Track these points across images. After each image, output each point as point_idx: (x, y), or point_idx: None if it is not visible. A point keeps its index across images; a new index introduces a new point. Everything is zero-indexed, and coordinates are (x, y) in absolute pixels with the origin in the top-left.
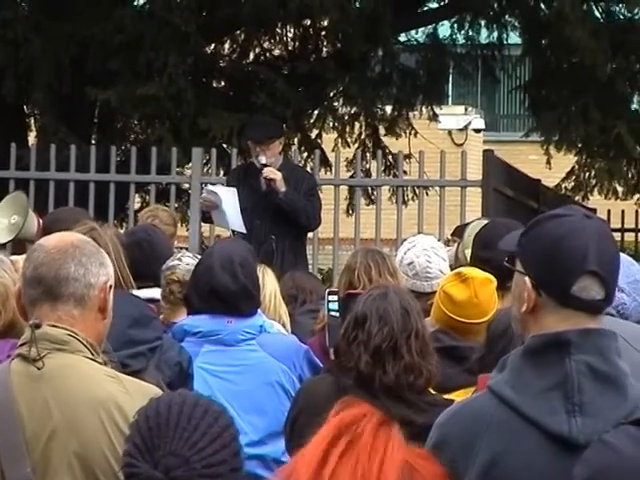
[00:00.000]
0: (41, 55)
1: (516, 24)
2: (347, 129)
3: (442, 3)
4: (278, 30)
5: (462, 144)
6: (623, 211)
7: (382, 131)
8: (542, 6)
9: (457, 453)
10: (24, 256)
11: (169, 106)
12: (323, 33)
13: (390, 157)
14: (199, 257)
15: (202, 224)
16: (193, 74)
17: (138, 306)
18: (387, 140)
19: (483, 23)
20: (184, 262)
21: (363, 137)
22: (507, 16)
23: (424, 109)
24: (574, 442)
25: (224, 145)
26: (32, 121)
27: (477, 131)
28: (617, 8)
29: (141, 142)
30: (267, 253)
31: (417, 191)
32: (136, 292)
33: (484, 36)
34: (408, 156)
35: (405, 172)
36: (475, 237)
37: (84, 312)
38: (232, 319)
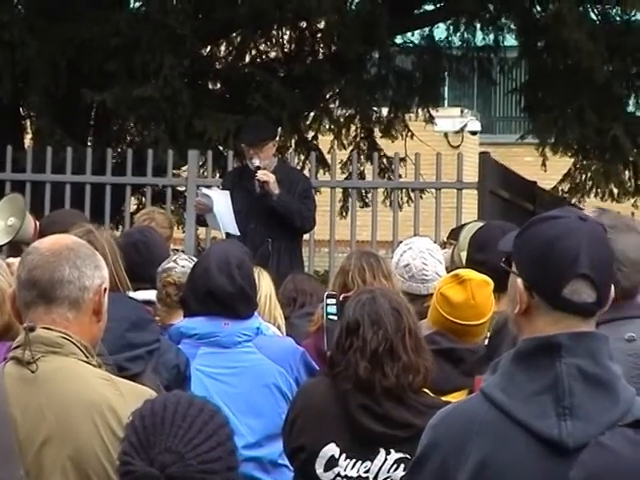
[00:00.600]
0: (37, 57)
1: (512, 26)
2: (343, 131)
3: (438, 5)
4: (274, 32)
5: (458, 146)
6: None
7: (378, 133)
8: (538, 8)
9: (448, 454)
10: (20, 259)
11: (165, 108)
12: (319, 35)
13: (385, 159)
14: (195, 259)
15: (198, 226)
16: (189, 76)
17: (135, 309)
18: (383, 142)
19: (479, 25)
20: (180, 264)
21: (358, 139)
22: (503, 18)
23: (420, 111)
24: (564, 446)
25: (220, 147)
26: (28, 123)
27: (473, 133)
28: (613, 11)
29: (137, 144)
30: (263, 256)
31: (413, 194)
32: (132, 294)
33: (480, 38)
34: (404, 159)
35: (400, 175)
36: (471, 239)
37: (78, 315)
38: (229, 321)
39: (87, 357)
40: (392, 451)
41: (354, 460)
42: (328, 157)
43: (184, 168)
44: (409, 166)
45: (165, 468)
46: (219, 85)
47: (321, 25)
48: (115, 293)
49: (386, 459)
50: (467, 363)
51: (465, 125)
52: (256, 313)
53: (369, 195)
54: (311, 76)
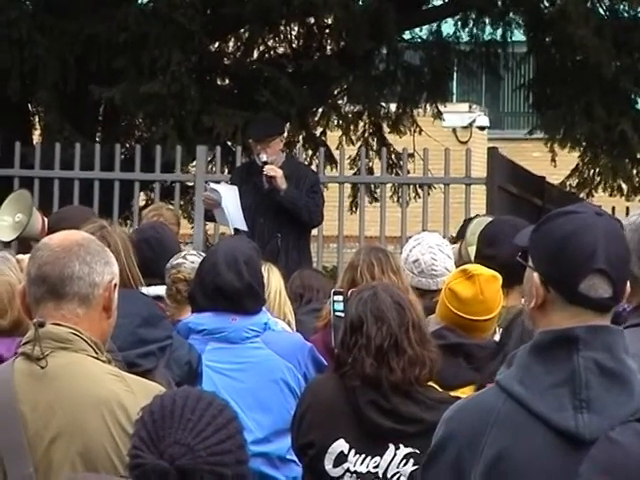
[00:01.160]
0: (46, 54)
1: (520, 22)
2: (351, 127)
3: (446, 0)
4: (282, 28)
5: (466, 142)
6: (627, 208)
7: (386, 129)
8: (546, 4)
9: (464, 447)
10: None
11: (173, 104)
12: (327, 31)
13: (394, 155)
14: (203, 255)
15: (206, 222)
16: (197, 72)
17: (147, 305)
18: (391, 138)
19: (487, 21)
20: (189, 260)
21: (367, 135)
22: (511, 14)
23: (428, 107)
24: (580, 438)
25: (229, 143)
26: (37, 119)
27: (481, 129)
28: (621, 6)
29: (145, 140)
30: (272, 251)
31: (421, 189)
32: (144, 290)
33: (488, 33)
34: (412, 154)
35: (409, 170)
36: (480, 234)
37: (88, 311)
38: (237, 316)
39: (97, 353)
40: (401, 446)
41: (363, 455)
42: (336, 153)
43: (192, 164)
44: (417, 161)
45: (175, 460)
46: (227, 81)
47: (329, 21)
48: (127, 289)
49: (395, 454)
50: (475, 358)
51: (473, 120)
52: (265, 309)
53: (378, 190)
54: (319, 72)
